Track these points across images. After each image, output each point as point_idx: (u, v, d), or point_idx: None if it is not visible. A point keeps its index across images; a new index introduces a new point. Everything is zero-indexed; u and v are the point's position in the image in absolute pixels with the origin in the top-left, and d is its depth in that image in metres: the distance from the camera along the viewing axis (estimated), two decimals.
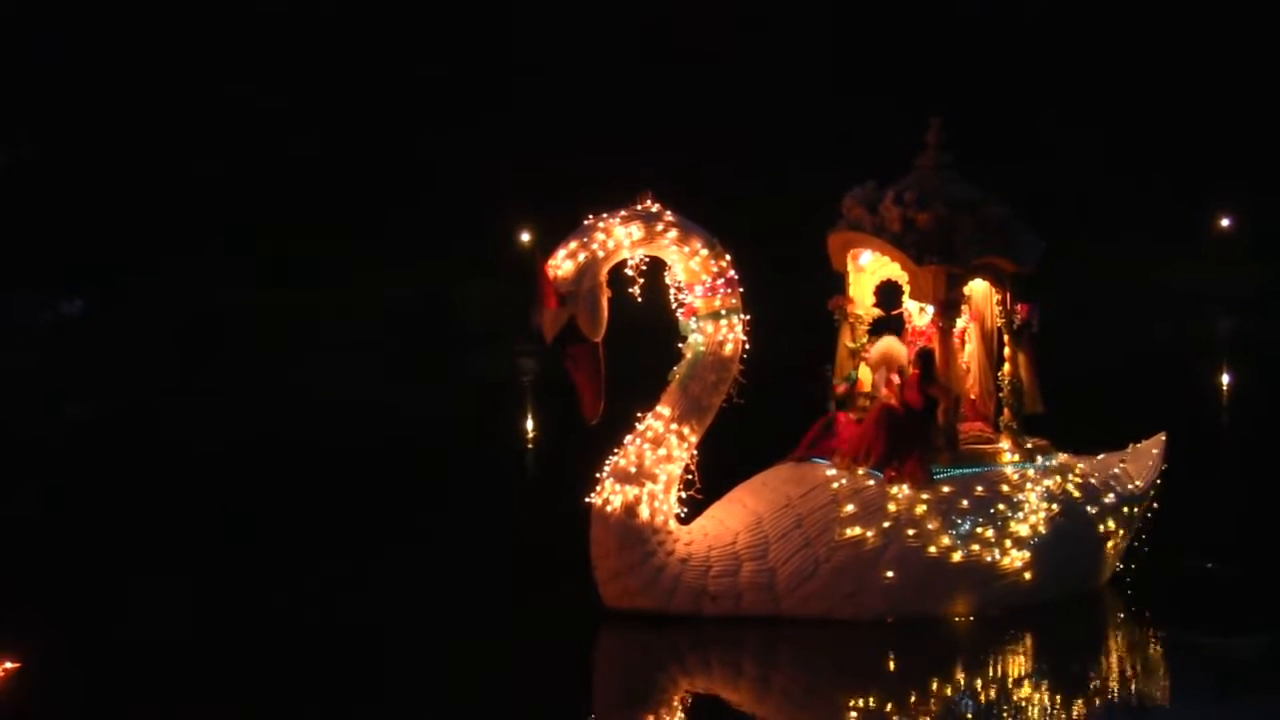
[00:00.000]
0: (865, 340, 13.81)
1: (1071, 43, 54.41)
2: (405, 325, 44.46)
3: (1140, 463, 14.29)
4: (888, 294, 14.11)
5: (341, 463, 22.97)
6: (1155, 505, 14.41)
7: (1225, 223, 58.68)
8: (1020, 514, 12.81)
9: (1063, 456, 13.72)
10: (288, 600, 13.83)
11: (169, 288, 43.99)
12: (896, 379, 13.45)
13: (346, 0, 50.47)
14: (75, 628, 12.85)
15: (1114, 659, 12.32)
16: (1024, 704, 11.06)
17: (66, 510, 18.58)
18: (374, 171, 48.71)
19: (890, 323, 14.06)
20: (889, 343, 13.67)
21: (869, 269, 13.89)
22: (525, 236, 49.10)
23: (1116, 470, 14.02)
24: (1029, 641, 12.49)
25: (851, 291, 13.87)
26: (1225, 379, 36.17)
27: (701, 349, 12.75)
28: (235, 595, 14.03)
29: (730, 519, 12.79)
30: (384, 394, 34.34)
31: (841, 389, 13.58)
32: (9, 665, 8.66)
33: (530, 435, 26.74)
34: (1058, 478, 13.32)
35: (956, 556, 12.52)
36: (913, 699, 11.07)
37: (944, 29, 52.96)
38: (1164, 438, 14.66)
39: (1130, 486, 13.94)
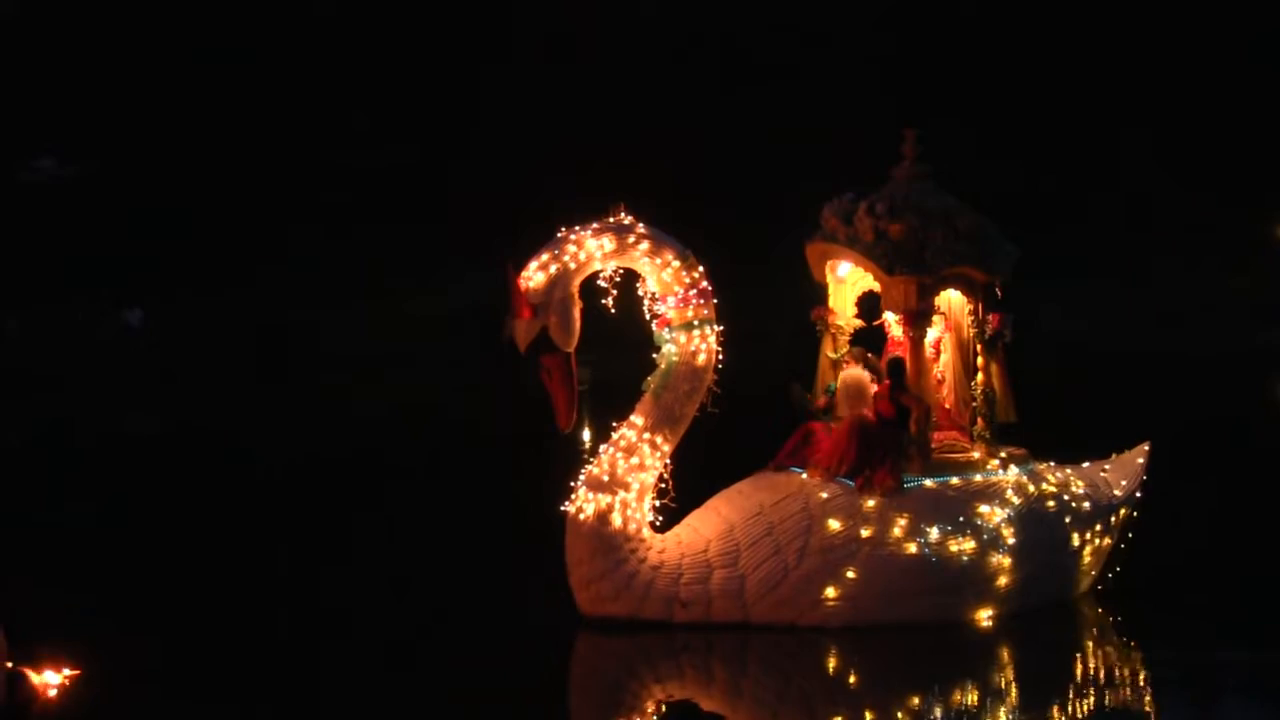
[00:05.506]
0: (846, 351, 13.91)
1: (1124, 42, 53.58)
2: (447, 332, 44.38)
3: (1122, 472, 14.28)
4: (873, 305, 14.19)
5: (370, 467, 23.39)
6: (1135, 514, 14.39)
7: None
8: (991, 522, 12.86)
9: (1039, 465, 13.74)
10: (276, 599, 14.19)
11: (233, 299, 44.39)
12: (874, 388, 13.53)
13: (345, 2, 50.59)
14: (133, 636, 12.97)
15: (1088, 670, 12.32)
16: (995, 713, 11.12)
17: (128, 521, 18.90)
18: (416, 178, 48.74)
19: (871, 333, 14.14)
20: (857, 379, 13.39)
21: (848, 280, 13.99)
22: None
23: (1095, 479, 14.01)
24: (1001, 650, 12.55)
25: (832, 302, 13.99)
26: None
27: (675, 359, 12.88)
28: (245, 600, 14.37)
29: (704, 526, 12.94)
30: (432, 401, 34.56)
31: (822, 401, 13.69)
32: (68, 673, 8.89)
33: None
34: (1031, 487, 13.32)
35: (926, 564, 12.60)
36: (883, 706, 11.19)
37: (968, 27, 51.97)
38: (1147, 447, 14.63)
39: (1110, 495, 13.94)
